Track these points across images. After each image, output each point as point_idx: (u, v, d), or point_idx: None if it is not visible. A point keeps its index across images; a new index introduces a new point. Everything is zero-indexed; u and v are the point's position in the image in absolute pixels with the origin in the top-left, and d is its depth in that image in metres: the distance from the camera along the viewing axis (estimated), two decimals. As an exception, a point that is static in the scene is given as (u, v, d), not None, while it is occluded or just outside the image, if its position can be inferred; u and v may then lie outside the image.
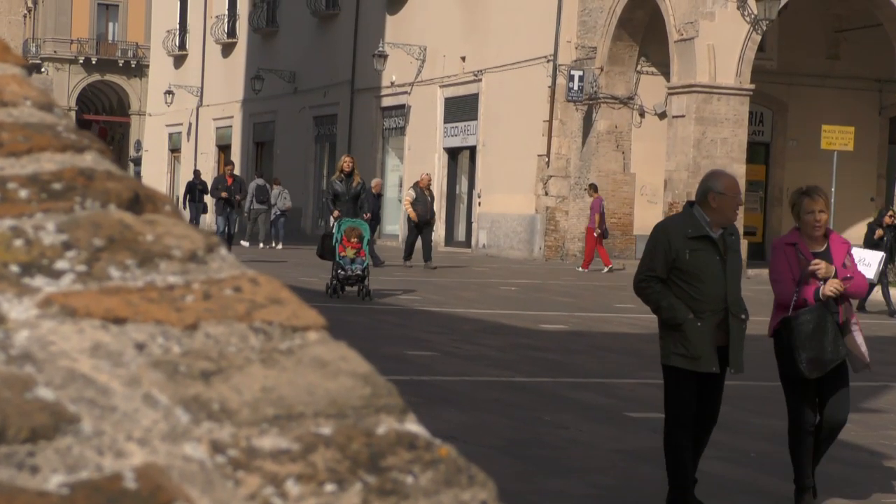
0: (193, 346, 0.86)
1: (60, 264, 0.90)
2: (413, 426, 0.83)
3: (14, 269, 0.89)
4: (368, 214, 22.34)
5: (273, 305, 0.91)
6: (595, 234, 31.04)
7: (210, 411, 0.81)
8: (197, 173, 44.45)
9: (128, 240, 0.92)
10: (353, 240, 20.05)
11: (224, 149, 56.91)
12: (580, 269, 31.21)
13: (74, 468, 0.76)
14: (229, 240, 29.24)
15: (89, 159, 1.00)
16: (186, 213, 43.23)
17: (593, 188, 32.31)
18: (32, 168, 0.98)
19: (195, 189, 41.57)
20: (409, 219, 30.40)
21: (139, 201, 0.97)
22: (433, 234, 31.29)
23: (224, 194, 29.32)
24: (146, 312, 0.87)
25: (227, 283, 0.92)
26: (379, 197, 30.94)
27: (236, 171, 45.21)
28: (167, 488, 0.74)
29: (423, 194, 30.07)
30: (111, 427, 0.78)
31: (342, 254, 19.99)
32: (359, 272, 19.99)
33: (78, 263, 0.90)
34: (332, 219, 21.73)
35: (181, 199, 43.24)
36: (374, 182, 31.27)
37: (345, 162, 22.36)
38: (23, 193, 0.95)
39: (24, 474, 0.74)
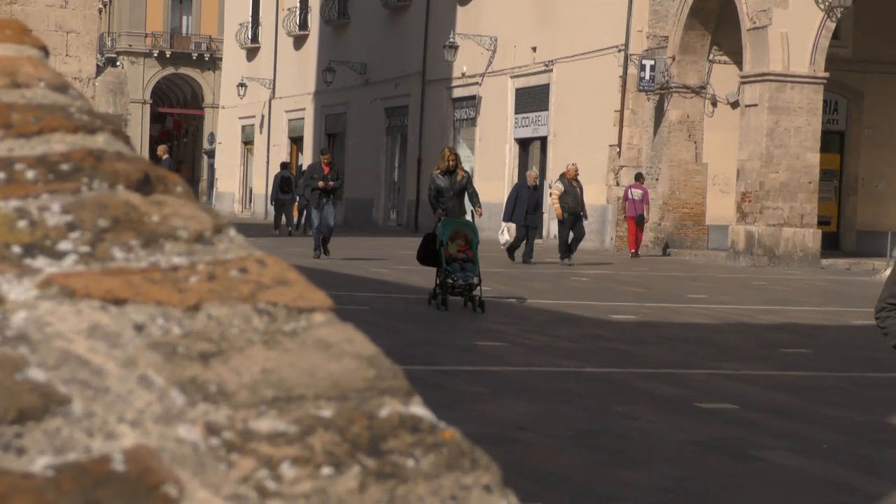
0: (194, 328, 0.85)
1: (63, 245, 0.89)
2: (418, 409, 0.81)
3: (16, 249, 0.88)
4: (480, 209, 20.11)
5: (279, 286, 0.89)
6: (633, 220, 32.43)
7: (207, 393, 0.80)
8: (285, 165, 44.58)
9: (133, 220, 0.91)
10: (459, 242, 17.44)
11: (296, 141, 57.20)
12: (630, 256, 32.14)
13: (62, 450, 0.75)
14: (327, 235, 26.65)
15: (101, 140, 0.99)
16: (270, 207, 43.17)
17: (637, 177, 33.40)
18: (42, 149, 0.97)
19: (290, 183, 41.67)
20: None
21: (149, 182, 0.96)
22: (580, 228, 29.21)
23: (321, 184, 26.54)
24: (147, 293, 0.86)
25: (233, 264, 0.91)
26: (535, 189, 28.71)
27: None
28: (156, 470, 0.73)
29: (571, 186, 28.47)
30: (103, 408, 0.77)
31: (451, 258, 17.29)
32: (471, 281, 17.03)
33: (81, 244, 0.89)
34: (437, 218, 18.83)
35: (270, 193, 43.67)
36: (529, 174, 29.61)
37: (447, 158, 19.41)
38: (30, 174, 0.94)
39: (9, 455, 0.73)
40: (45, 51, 1.13)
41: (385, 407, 0.81)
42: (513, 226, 28.86)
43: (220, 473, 0.74)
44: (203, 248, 0.92)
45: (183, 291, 0.87)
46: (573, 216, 28.25)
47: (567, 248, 28.26)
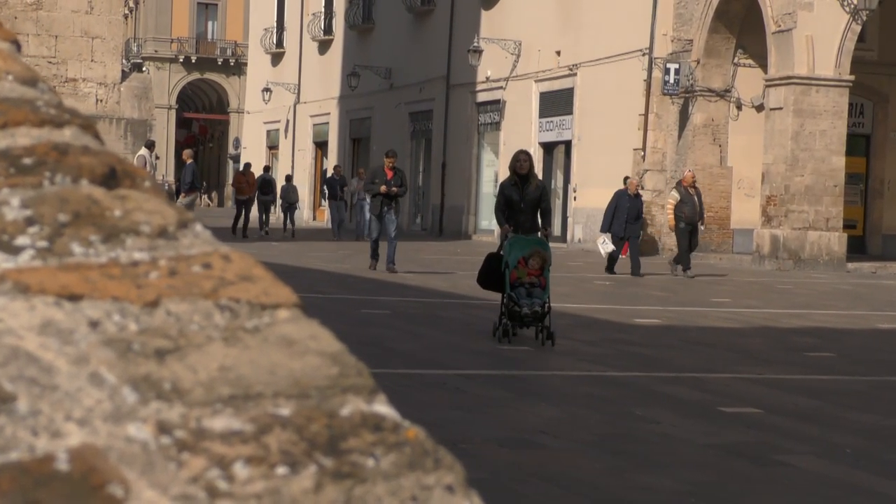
0: (152, 324, 0.83)
1: (21, 240, 0.87)
2: (381, 407, 0.79)
3: (-28, 245, 0.86)
4: (547, 231, 16.01)
5: (243, 282, 0.87)
6: None
7: (160, 391, 0.78)
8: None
9: (94, 215, 0.89)
10: (532, 264, 14.86)
11: (321, 145, 57.30)
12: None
13: (4, 449, 0.73)
14: (392, 250, 24.15)
15: (68, 134, 0.97)
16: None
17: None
18: (5, 143, 0.95)
19: (335, 186, 41.64)
20: (678, 222, 26.64)
21: (115, 176, 0.94)
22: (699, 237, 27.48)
23: (383, 188, 24.05)
24: (104, 289, 0.84)
25: (196, 259, 0.89)
26: (637, 198, 26.96)
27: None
28: (102, 470, 0.71)
29: (688, 194, 26.50)
30: (50, 406, 0.76)
31: (517, 282, 14.73)
32: (537, 309, 14.49)
33: (39, 239, 0.88)
34: (503, 235, 15.69)
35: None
36: (630, 182, 27.56)
37: (520, 161, 15.81)
38: (-10, 168, 0.92)
39: (-52, 455, 0.71)
40: (16, 44, 1.12)
41: (347, 405, 0.79)
42: (608, 237, 27.18)
43: (170, 473, 0.72)
44: (166, 243, 0.90)
45: (142, 287, 0.85)
46: (691, 225, 26.38)
47: (687, 259, 26.68)
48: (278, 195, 43.31)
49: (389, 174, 24.34)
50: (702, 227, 27.41)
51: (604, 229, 27.22)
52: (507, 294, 14.67)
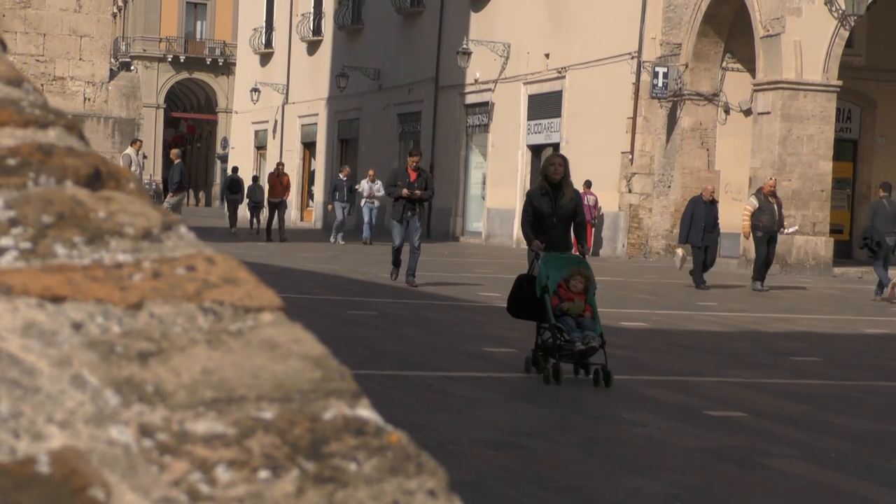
0: (135, 327, 0.83)
1: (4, 241, 0.87)
2: (364, 411, 0.79)
3: (-45, 246, 0.86)
4: (586, 249, 13.81)
5: (226, 285, 0.87)
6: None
7: (142, 393, 0.77)
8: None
9: (78, 216, 0.89)
10: (574, 284, 12.53)
11: (309, 146, 57.26)
12: None
13: (-15, 451, 0.72)
14: (413, 260, 22.31)
15: (52, 135, 0.97)
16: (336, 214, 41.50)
17: (587, 184, 34.66)
18: (-11, 144, 0.95)
19: (343, 188, 40.80)
20: (755, 231, 25.42)
21: (100, 178, 0.94)
22: (776, 247, 26.28)
23: (405, 192, 22.10)
24: (87, 291, 0.84)
25: (180, 262, 0.89)
26: (713, 204, 25.49)
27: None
28: (83, 473, 0.71)
29: (767, 202, 25.21)
30: (31, 409, 0.75)
31: (560, 309, 12.40)
32: (594, 344, 12.11)
33: (23, 240, 0.87)
34: (534, 254, 13.22)
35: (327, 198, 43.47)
36: (705, 188, 26.06)
37: (555, 164, 13.44)
38: (-26, 169, 0.92)
39: (-72, 457, 0.71)
40: (1, 44, 1.11)
41: (330, 409, 0.78)
42: (688, 247, 25.94)
43: (151, 476, 0.72)
44: (150, 245, 0.90)
45: (125, 289, 0.85)
46: (769, 235, 25.20)
47: (762, 271, 25.40)
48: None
49: (412, 175, 22.24)
50: (786, 232, 26.32)
51: (681, 240, 25.84)
52: (553, 325, 12.28)
